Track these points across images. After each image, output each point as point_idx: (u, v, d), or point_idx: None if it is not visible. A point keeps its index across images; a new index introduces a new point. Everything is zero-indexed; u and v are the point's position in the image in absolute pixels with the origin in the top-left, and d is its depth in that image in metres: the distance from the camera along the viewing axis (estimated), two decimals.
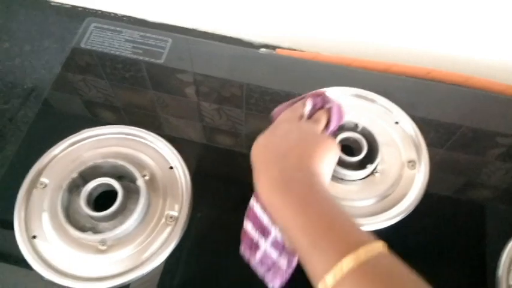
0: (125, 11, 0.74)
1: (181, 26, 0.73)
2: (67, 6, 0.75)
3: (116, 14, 0.74)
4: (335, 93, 0.57)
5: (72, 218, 0.45)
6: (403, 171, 0.51)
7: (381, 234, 0.46)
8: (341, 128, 0.52)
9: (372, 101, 0.56)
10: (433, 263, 0.47)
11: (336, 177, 0.50)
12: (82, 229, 0.44)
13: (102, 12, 0.74)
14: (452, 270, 0.47)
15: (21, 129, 0.62)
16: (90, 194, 0.46)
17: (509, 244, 0.47)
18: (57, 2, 0.76)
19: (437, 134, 0.55)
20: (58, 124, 0.53)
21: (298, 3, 0.65)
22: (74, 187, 0.47)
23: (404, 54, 0.64)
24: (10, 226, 0.45)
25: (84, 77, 0.57)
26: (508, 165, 0.54)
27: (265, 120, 0.53)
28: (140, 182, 0.46)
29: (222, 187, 0.51)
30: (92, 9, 0.75)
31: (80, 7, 0.75)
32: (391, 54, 0.63)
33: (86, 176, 0.47)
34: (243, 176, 0.52)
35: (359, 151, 0.50)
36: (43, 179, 0.48)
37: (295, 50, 0.66)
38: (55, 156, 0.50)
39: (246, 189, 0.50)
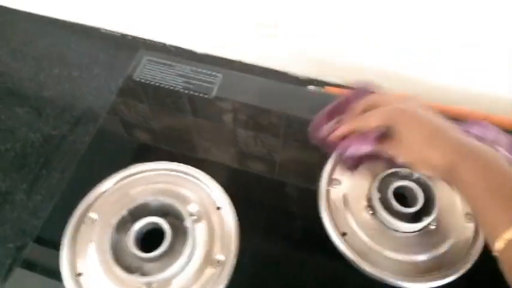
0: (173, 41, 0.74)
1: (227, 57, 0.73)
2: (117, 34, 0.77)
3: (165, 44, 0.75)
4: None
5: (118, 256, 0.45)
6: (460, 224, 0.49)
7: None
8: (394, 175, 0.50)
9: None
10: None
11: (389, 228, 0.48)
12: (128, 268, 0.44)
13: (152, 41, 0.75)
14: None
15: (68, 158, 0.62)
16: (138, 233, 0.45)
17: None
18: (108, 30, 0.77)
19: None
20: (107, 157, 0.53)
21: (347, 35, 0.64)
22: (122, 224, 0.46)
23: (460, 95, 0.62)
24: (56, 262, 0.45)
25: (135, 109, 0.57)
26: None
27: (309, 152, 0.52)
28: (188, 223, 0.45)
29: (268, 227, 0.50)
30: (141, 38, 0.76)
31: (129, 35, 0.77)
32: (442, 94, 0.61)
33: (134, 213, 0.46)
34: (290, 211, 0.51)
35: (414, 201, 0.48)
36: (91, 215, 0.48)
37: (343, 86, 0.65)
38: (104, 191, 0.50)
39: (291, 225, 0.48)
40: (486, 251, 0.46)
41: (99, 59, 0.74)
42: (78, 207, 0.48)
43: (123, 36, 0.76)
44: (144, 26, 0.74)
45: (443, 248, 0.47)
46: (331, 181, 0.51)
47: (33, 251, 0.47)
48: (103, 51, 0.75)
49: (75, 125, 0.66)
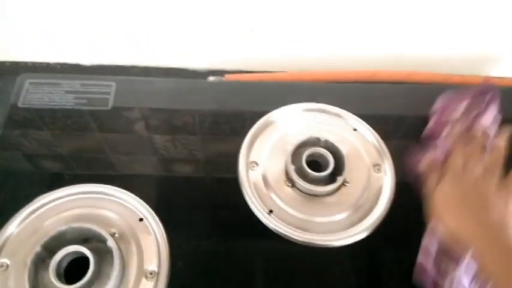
0: (56, 58, 0.70)
1: (119, 64, 0.70)
2: None
3: (49, 64, 0.70)
4: (287, 112, 0.57)
5: None
6: (371, 176, 0.52)
7: (367, 240, 0.47)
8: (304, 145, 0.52)
9: (326, 112, 0.57)
10: None
11: (308, 195, 0.50)
12: None
13: (33, 63, 0.70)
14: None
15: None
16: (59, 266, 0.42)
17: None
18: None
19: (394, 133, 0.57)
20: (8, 195, 0.49)
21: (237, 24, 0.65)
22: (39, 261, 0.43)
23: (347, 59, 0.66)
24: None
25: (29, 138, 0.53)
26: None
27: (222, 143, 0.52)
28: (111, 243, 0.43)
29: (196, 226, 0.49)
30: (22, 62, 0.70)
31: (7, 62, 0.70)
32: (333, 62, 0.65)
33: (50, 247, 0.43)
34: (215, 204, 0.51)
35: (326, 165, 0.51)
36: (3, 260, 0.44)
37: (243, 72, 0.66)
38: (12, 232, 0.46)
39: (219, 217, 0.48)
40: (399, 197, 0.50)
41: None
42: None
43: (1, 63, 0.70)
44: (20, 48, 0.68)
45: (360, 202, 0.50)
46: (248, 164, 0.52)
47: None
48: None
49: None
